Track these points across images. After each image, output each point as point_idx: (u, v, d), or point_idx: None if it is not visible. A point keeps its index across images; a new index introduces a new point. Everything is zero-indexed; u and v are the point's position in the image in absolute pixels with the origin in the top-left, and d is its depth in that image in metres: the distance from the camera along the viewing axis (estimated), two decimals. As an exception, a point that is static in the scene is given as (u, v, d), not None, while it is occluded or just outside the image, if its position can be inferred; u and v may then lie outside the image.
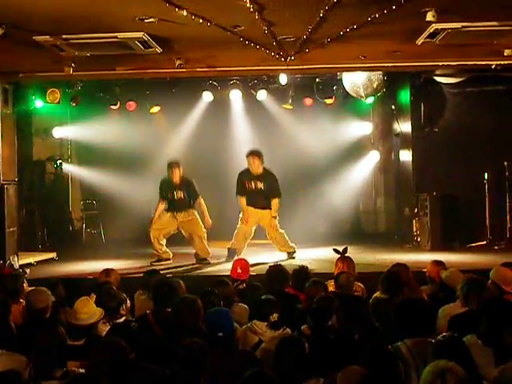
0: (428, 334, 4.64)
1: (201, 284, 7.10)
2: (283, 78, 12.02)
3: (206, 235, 10.83)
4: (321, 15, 7.11)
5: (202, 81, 12.96)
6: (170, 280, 6.50)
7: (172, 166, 10.85)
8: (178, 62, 9.53)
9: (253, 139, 13.99)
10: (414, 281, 6.82)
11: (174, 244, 12.11)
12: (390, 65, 10.29)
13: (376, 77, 11.86)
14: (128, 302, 6.47)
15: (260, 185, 10.73)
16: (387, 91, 12.76)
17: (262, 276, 7.37)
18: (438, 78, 12.49)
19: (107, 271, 7.27)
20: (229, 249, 10.80)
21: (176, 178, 10.80)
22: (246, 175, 10.87)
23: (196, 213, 10.89)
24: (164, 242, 10.92)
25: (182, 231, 10.96)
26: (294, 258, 10.72)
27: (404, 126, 13.52)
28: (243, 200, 10.84)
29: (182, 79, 12.34)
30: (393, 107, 13.92)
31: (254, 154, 10.77)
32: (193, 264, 10.58)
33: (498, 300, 5.09)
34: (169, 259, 10.84)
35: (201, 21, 7.25)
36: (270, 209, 10.77)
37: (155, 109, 13.61)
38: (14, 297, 6.31)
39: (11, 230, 10.88)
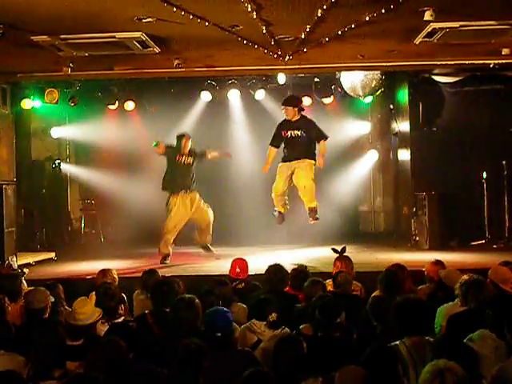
0: (427, 333, 4.66)
1: (199, 284, 7.09)
2: (281, 78, 12.03)
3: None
4: (319, 15, 7.12)
5: (200, 80, 12.95)
6: (169, 280, 6.50)
7: (183, 136, 11.05)
8: (176, 62, 9.53)
9: (251, 139, 14.00)
10: (411, 283, 6.83)
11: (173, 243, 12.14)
12: (388, 64, 10.29)
13: (374, 76, 11.87)
14: (126, 301, 6.49)
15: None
16: (385, 90, 12.77)
17: (260, 276, 7.37)
18: (436, 78, 12.49)
19: (104, 271, 7.27)
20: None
21: (186, 149, 10.95)
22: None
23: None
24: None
25: (195, 222, 11.08)
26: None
27: (402, 126, 13.52)
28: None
29: (180, 79, 12.34)
30: (391, 106, 13.92)
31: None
32: (191, 263, 10.58)
33: (502, 295, 5.10)
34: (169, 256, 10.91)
35: (199, 20, 7.26)
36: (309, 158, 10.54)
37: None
38: (13, 297, 6.31)
39: (10, 230, 10.88)
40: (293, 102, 10.61)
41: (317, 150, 10.53)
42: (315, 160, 10.43)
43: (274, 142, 10.68)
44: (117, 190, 13.92)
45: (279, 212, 10.78)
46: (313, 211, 10.45)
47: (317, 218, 10.45)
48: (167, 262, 10.71)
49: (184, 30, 7.70)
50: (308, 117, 10.68)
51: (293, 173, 10.46)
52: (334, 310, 5.16)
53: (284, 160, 10.57)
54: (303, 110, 10.67)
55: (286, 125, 10.55)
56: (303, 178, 10.37)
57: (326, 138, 10.50)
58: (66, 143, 14.80)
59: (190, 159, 11.01)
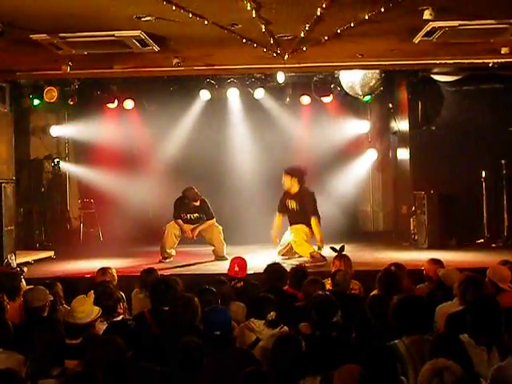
0: (425, 332, 4.66)
1: (198, 282, 7.09)
2: (280, 77, 12.02)
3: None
4: (318, 13, 7.10)
5: (199, 79, 12.96)
6: (168, 278, 6.51)
7: (189, 190, 11.04)
8: (175, 61, 9.52)
9: (250, 137, 14.00)
10: (409, 282, 6.84)
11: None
12: (387, 63, 10.28)
13: (373, 75, 11.86)
14: (125, 300, 6.49)
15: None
16: (384, 89, 12.76)
17: (259, 274, 7.38)
18: (435, 76, 12.49)
19: (103, 270, 7.27)
20: None
21: (196, 202, 10.99)
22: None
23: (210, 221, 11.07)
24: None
25: (203, 237, 11.15)
26: None
27: (401, 125, 13.52)
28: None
29: (179, 78, 12.33)
30: (390, 105, 13.92)
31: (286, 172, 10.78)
32: (190, 262, 10.60)
33: (484, 299, 5.07)
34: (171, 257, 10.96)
35: (198, 19, 7.25)
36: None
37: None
38: (12, 295, 6.32)
39: (9, 228, 10.88)
40: (291, 171, 10.76)
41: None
42: (309, 226, 10.53)
43: (279, 208, 10.93)
44: (116, 188, 13.90)
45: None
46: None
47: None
48: (167, 261, 10.75)
49: (183, 28, 7.69)
50: (308, 190, 10.78)
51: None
52: (329, 309, 5.18)
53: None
54: (304, 182, 10.75)
55: (287, 195, 10.84)
56: (297, 246, 10.52)
57: (316, 216, 10.53)
58: (65, 142, 14.78)
59: (197, 215, 11.06)
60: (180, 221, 10.99)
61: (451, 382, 3.42)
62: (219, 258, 10.87)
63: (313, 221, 10.50)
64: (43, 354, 4.48)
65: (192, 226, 11.01)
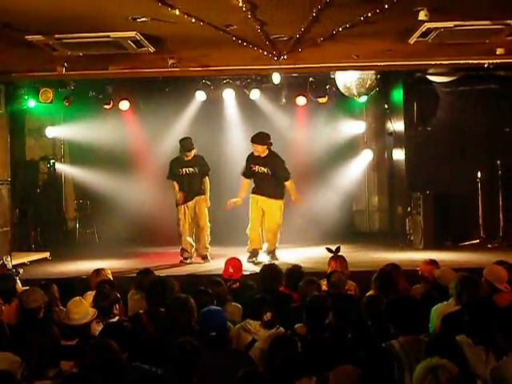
0: (421, 333, 4.66)
1: (194, 283, 7.09)
2: (276, 78, 12.03)
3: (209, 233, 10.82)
4: (313, 14, 7.12)
5: (195, 80, 12.96)
6: (164, 279, 6.50)
7: (186, 138, 10.93)
8: (170, 62, 9.53)
9: (246, 138, 13.98)
10: (405, 283, 6.84)
11: (166, 244, 12.14)
12: (382, 64, 10.30)
13: (369, 76, 11.87)
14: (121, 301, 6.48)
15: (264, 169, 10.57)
16: (380, 90, 12.77)
17: (255, 275, 7.38)
18: (430, 77, 12.52)
19: (98, 271, 7.26)
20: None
21: (189, 157, 10.82)
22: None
23: (205, 204, 10.86)
24: (191, 240, 10.84)
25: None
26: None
27: (397, 125, 13.53)
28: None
29: (174, 79, 12.33)
30: (386, 106, 13.93)
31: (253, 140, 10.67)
32: (186, 263, 10.58)
33: (481, 300, 5.08)
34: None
35: (193, 20, 7.25)
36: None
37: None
38: (7, 297, 6.31)
39: (4, 229, 10.88)
40: (262, 140, 10.62)
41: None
42: (283, 199, 10.52)
43: (245, 174, 10.83)
44: (112, 189, 13.88)
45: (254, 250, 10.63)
46: (272, 253, 10.51)
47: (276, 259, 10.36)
48: (187, 261, 10.67)
49: (178, 29, 7.69)
50: (276, 154, 10.70)
51: (263, 211, 10.55)
52: (320, 312, 5.19)
53: (253, 192, 10.70)
54: (271, 144, 10.67)
55: (254, 159, 10.69)
56: (270, 222, 10.48)
57: (288, 179, 10.50)
58: (60, 143, 14.76)
59: (192, 169, 10.82)
60: (176, 185, 10.83)
61: (446, 379, 3.42)
62: (201, 257, 10.75)
63: (289, 183, 10.50)
64: (39, 356, 4.47)
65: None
